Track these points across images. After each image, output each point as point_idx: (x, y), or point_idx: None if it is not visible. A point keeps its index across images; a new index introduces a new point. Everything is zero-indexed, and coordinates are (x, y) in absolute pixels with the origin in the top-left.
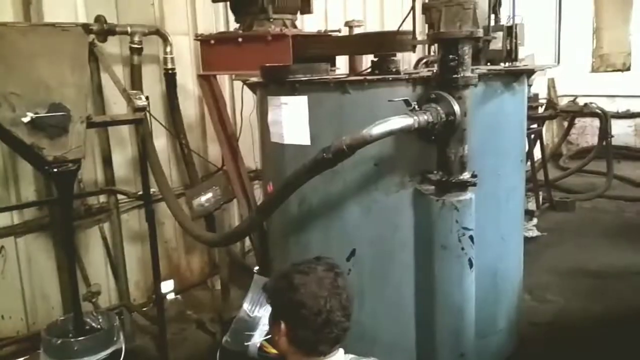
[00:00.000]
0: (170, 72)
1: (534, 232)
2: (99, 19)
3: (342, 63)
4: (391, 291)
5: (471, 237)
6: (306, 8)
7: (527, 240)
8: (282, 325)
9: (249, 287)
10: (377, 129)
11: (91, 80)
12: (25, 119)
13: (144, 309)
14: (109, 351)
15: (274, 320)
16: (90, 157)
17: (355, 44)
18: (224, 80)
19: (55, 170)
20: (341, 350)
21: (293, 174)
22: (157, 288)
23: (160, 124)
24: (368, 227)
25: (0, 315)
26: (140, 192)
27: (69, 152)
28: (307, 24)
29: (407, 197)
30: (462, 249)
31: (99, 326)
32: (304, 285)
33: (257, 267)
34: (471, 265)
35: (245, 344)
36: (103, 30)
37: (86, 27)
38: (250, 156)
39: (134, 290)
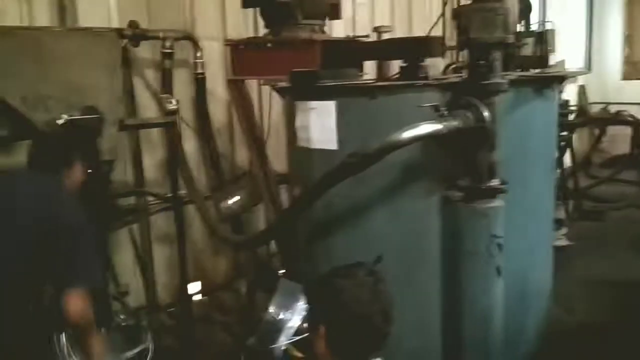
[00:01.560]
0: (200, 76)
1: (564, 242)
2: (132, 24)
3: (370, 69)
4: (417, 297)
5: (499, 245)
6: (335, 14)
7: (557, 249)
8: (321, 329)
9: (274, 290)
10: (406, 135)
11: (123, 83)
12: (60, 121)
13: (171, 309)
14: (136, 350)
15: (313, 323)
16: (121, 159)
17: (385, 49)
18: (252, 84)
19: (88, 171)
20: None
21: (320, 178)
22: (183, 290)
23: (190, 127)
24: (394, 233)
25: None
26: (170, 194)
27: (102, 154)
28: (336, 29)
29: (434, 204)
30: (491, 256)
31: (127, 325)
32: (344, 288)
33: (282, 271)
34: (499, 273)
35: (271, 346)
36: (136, 35)
37: (119, 32)
38: (277, 160)
39: (161, 290)
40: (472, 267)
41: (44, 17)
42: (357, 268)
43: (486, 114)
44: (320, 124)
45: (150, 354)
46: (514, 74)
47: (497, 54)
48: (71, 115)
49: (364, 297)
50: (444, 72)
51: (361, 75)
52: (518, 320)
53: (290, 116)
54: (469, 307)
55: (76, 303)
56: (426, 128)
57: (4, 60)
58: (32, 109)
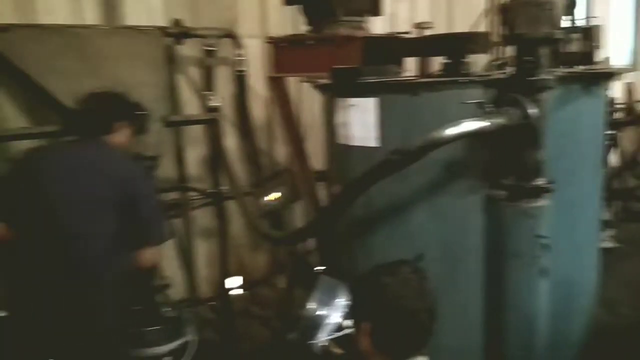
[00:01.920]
0: (241, 73)
1: (610, 243)
2: (176, 22)
3: (411, 66)
4: (458, 297)
5: (545, 246)
6: (375, 10)
7: (603, 251)
8: (366, 326)
9: (313, 286)
10: (450, 132)
11: (167, 81)
12: None
13: (211, 303)
14: (178, 342)
15: (357, 321)
16: (165, 155)
17: (427, 45)
18: (292, 81)
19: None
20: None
21: (361, 175)
22: (223, 284)
23: (231, 124)
24: (435, 232)
25: None
26: (211, 190)
27: (147, 149)
28: (376, 26)
29: (477, 203)
30: (535, 257)
31: (169, 317)
32: (389, 285)
33: (320, 267)
34: (544, 274)
35: (310, 342)
36: (180, 33)
37: (164, 30)
38: (315, 157)
39: (202, 284)
40: (516, 268)
41: (91, 15)
42: (401, 265)
43: (533, 111)
44: (361, 120)
45: (192, 346)
46: (562, 71)
47: (544, 49)
48: None
49: (409, 293)
50: (488, 68)
51: (402, 72)
52: (563, 322)
53: (330, 113)
54: (512, 308)
55: (150, 255)
56: (471, 125)
57: (54, 57)
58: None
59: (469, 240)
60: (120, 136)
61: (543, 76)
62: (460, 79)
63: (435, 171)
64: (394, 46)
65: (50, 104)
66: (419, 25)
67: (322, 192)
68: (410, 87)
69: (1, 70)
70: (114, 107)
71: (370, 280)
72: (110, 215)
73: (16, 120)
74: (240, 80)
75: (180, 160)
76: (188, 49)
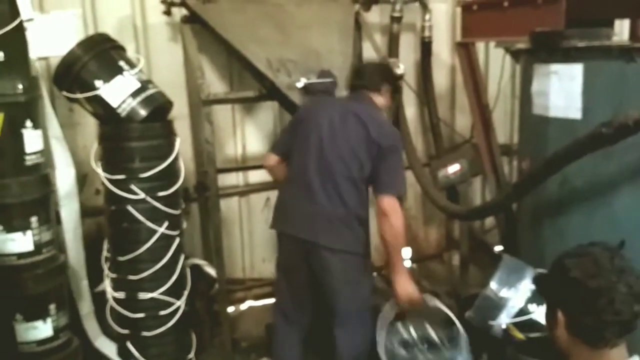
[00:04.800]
0: (426, 40)
1: None
2: None
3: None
4: None
5: None
6: None
7: None
8: (560, 315)
9: (489, 266)
10: None
11: (354, 47)
12: (299, 84)
13: (382, 272)
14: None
15: (551, 312)
16: None
17: None
18: (478, 48)
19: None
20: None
21: (562, 150)
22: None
23: (413, 91)
24: None
25: (262, 259)
26: None
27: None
28: None
29: None
30: None
31: None
32: (578, 265)
33: (499, 247)
34: None
35: (490, 322)
36: (368, 0)
37: None
38: (501, 129)
39: (373, 253)
40: None
41: None
42: (591, 246)
43: None
44: (562, 89)
45: None
46: None
47: None
48: (309, 79)
49: (601, 270)
50: None
51: (613, 36)
52: None
53: (525, 81)
54: None
55: (390, 202)
56: None
57: (253, 26)
58: (275, 72)
59: None
60: (385, 99)
61: None
62: None
63: None
64: (604, 6)
65: (251, 70)
66: None
67: (505, 167)
68: (625, 53)
69: (206, 38)
70: (383, 72)
71: (556, 265)
72: (362, 162)
73: (218, 85)
74: (425, 47)
75: None
76: (375, 16)
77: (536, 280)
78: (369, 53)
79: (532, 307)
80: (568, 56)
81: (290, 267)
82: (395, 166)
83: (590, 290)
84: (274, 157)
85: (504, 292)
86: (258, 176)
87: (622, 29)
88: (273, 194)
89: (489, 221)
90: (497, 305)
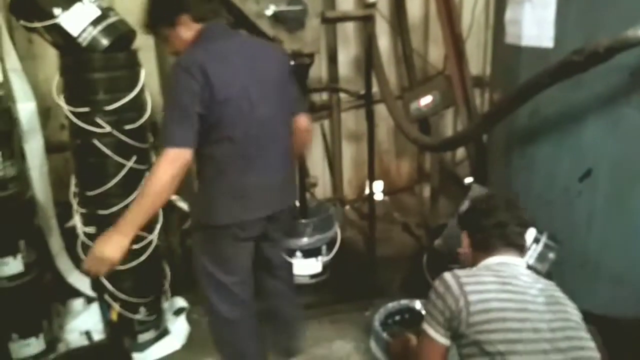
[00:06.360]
0: None
1: None
2: None
3: None
4: (627, 219)
5: None
6: None
7: None
8: (465, 236)
9: (460, 197)
10: None
11: None
12: (268, 12)
13: (355, 205)
14: (328, 235)
15: (462, 234)
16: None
17: None
18: None
19: (292, 63)
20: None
21: (532, 78)
22: (370, 186)
23: (386, 21)
24: (610, 146)
25: None
26: (363, 92)
27: (304, 46)
28: None
29: None
30: None
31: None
32: (478, 199)
33: (469, 178)
34: None
35: (458, 249)
36: None
37: None
38: (474, 61)
39: (346, 186)
40: None
41: None
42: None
43: None
44: (536, 17)
45: (338, 241)
46: None
47: None
48: (278, 7)
49: (495, 202)
50: None
51: None
52: None
53: (499, 9)
54: None
55: (305, 120)
56: None
57: None
58: (243, 0)
59: None
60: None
61: None
62: None
63: (618, 78)
64: None
65: None
66: None
67: (477, 99)
68: None
69: None
70: None
71: (470, 205)
72: (283, 94)
73: None
74: None
75: (332, 60)
76: None
77: (457, 216)
78: None
79: None
80: None
81: (240, 252)
82: (298, 87)
83: (482, 213)
84: (189, 152)
85: None
86: None
87: None
88: None
89: (460, 153)
90: None
